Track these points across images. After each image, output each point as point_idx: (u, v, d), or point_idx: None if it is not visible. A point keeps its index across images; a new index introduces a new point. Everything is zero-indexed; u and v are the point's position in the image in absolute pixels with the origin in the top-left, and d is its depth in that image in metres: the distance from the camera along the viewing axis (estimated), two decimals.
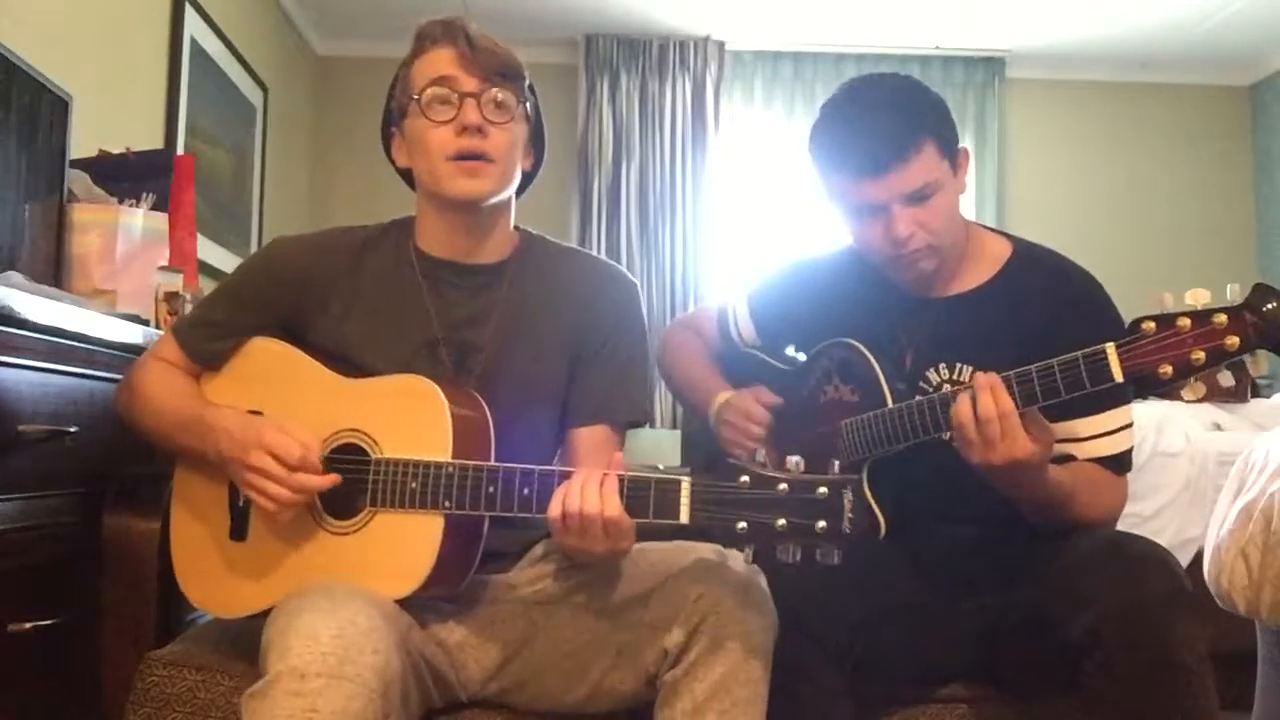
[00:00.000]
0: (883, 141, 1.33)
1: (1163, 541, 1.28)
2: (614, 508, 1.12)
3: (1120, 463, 1.40)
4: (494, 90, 1.30)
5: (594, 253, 1.51)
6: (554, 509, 1.14)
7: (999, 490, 1.30)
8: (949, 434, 1.29)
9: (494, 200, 1.34)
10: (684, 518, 1.09)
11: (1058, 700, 1.27)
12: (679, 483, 1.10)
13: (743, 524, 1.06)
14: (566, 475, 1.15)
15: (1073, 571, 1.24)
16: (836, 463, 1.08)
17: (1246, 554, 1.66)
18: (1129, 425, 1.40)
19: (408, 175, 1.42)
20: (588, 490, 1.12)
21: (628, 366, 1.42)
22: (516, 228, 1.44)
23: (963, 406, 1.25)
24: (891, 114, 1.36)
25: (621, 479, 1.12)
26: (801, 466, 1.07)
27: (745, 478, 1.07)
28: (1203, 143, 4.79)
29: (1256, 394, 3.21)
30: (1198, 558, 1.88)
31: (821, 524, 1.04)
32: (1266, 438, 1.82)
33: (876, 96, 1.39)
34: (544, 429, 1.41)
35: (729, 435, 1.52)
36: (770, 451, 1.12)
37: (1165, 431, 2.72)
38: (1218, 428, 2.95)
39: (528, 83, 1.37)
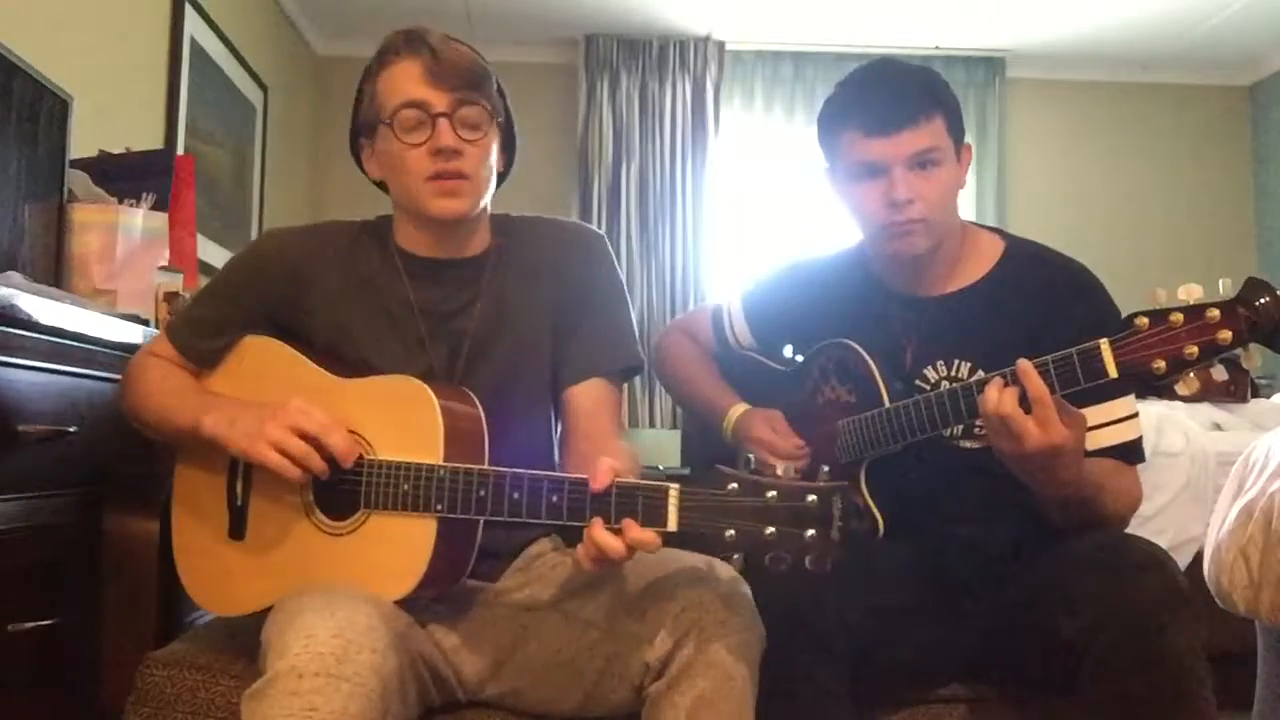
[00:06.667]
0: (897, 103, 1.38)
1: (1163, 542, 1.28)
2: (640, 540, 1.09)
3: (1133, 452, 1.40)
4: (465, 109, 1.30)
5: (557, 217, 1.50)
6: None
7: (1016, 489, 1.29)
8: (978, 428, 1.27)
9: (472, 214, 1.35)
10: (671, 524, 1.07)
11: (1055, 701, 1.27)
12: (666, 489, 1.08)
13: (731, 532, 1.05)
14: (557, 481, 1.14)
15: (1069, 572, 1.24)
16: (826, 469, 1.07)
17: (1246, 554, 1.66)
18: (1135, 415, 1.40)
19: (382, 183, 1.42)
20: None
21: (610, 317, 1.42)
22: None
23: (1006, 397, 1.21)
24: (909, 83, 1.41)
25: (610, 486, 1.11)
26: (791, 473, 1.06)
27: (734, 485, 1.06)
28: (1202, 143, 4.79)
29: (1256, 394, 3.21)
30: (1198, 558, 1.88)
31: (810, 532, 1.02)
32: (1266, 438, 1.82)
33: (897, 69, 1.45)
34: (537, 403, 1.41)
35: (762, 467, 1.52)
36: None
37: (1165, 431, 2.72)
38: (1218, 428, 2.96)
39: (495, 86, 1.36)
